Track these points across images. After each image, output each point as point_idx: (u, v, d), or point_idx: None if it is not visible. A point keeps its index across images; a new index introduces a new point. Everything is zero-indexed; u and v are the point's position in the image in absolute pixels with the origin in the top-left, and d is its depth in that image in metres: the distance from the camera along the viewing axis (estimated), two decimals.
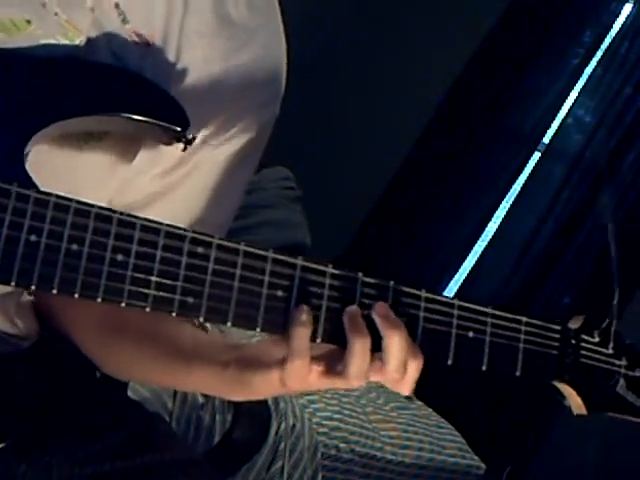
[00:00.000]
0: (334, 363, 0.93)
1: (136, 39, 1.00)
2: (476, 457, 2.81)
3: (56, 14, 0.96)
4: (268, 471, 2.07)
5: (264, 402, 2.08)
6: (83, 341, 1.12)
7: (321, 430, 2.39)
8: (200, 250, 0.88)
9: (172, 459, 1.12)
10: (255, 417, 2.07)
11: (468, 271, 3.85)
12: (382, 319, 0.93)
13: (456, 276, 3.89)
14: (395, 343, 0.92)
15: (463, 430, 2.87)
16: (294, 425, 2.15)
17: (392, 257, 3.84)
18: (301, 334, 0.91)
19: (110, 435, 1.10)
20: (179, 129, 0.95)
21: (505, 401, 3.42)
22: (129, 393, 1.31)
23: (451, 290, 3.88)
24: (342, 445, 2.45)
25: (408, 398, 2.85)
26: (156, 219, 0.89)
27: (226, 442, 1.99)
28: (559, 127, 3.83)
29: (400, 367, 0.92)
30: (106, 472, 1.07)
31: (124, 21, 0.99)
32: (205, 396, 1.97)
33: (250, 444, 2.04)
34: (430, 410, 2.89)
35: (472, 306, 0.96)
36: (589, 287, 3.48)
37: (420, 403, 2.87)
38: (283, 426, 2.10)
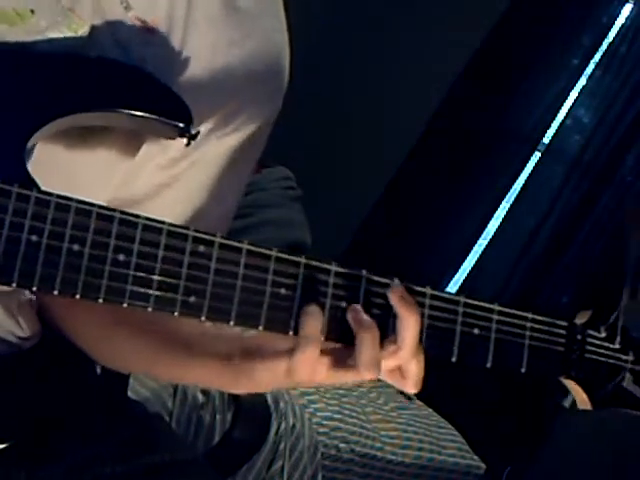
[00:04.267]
0: (343, 358, 0.93)
1: (140, 26, 0.99)
2: (476, 457, 2.81)
3: (59, 2, 0.95)
4: (268, 471, 2.07)
5: (264, 402, 2.08)
6: (81, 333, 1.11)
7: (321, 430, 2.39)
8: (202, 249, 0.87)
9: (172, 459, 1.12)
10: (255, 417, 2.06)
11: (468, 271, 3.86)
12: (399, 299, 0.92)
13: (456, 276, 3.90)
14: (412, 323, 0.92)
15: (463, 430, 2.87)
16: (294, 425, 2.15)
17: (392, 257, 3.83)
18: (311, 322, 0.90)
19: (110, 437, 1.10)
20: (182, 125, 0.94)
21: (505, 401, 3.42)
22: (129, 393, 1.31)
23: (451, 290, 3.88)
24: (342, 445, 2.45)
25: (408, 398, 2.85)
26: (158, 218, 0.88)
27: (226, 442, 1.98)
28: (559, 127, 3.83)
29: (415, 348, 0.92)
30: (107, 474, 1.06)
31: (127, 8, 0.98)
32: (205, 395, 1.97)
33: (250, 444, 2.04)
34: (430, 410, 2.89)
35: (478, 303, 0.96)
36: (588, 287, 3.48)
37: (420, 403, 2.87)
38: (283, 426, 2.10)
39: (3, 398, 1.03)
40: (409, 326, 0.91)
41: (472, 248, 3.89)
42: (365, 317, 0.92)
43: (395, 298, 0.92)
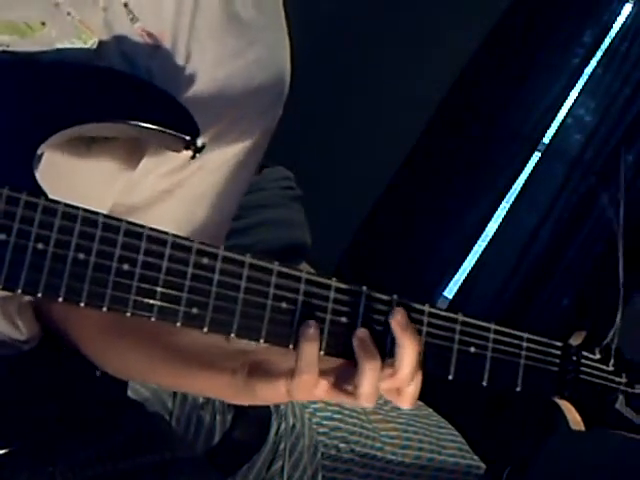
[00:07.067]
0: (342, 378, 0.93)
1: (146, 38, 1.00)
2: (476, 457, 2.81)
3: (69, 14, 0.95)
4: (268, 471, 2.08)
5: None
6: (84, 341, 1.12)
7: (321, 430, 2.39)
8: (206, 261, 0.88)
9: (173, 459, 1.12)
10: (255, 417, 2.07)
11: (468, 271, 3.86)
12: (400, 326, 0.92)
13: (456, 276, 3.90)
14: (411, 350, 0.92)
15: (463, 430, 2.88)
16: (294, 425, 2.15)
17: (392, 257, 3.84)
18: (309, 349, 0.90)
19: (111, 436, 1.11)
20: (188, 138, 0.94)
21: (505, 401, 3.43)
22: (129, 393, 1.31)
23: (451, 290, 3.89)
24: (342, 445, 2.45)
25: None
26: (161, 225, 0.88)
27: (226, 442, 1.99)
28: (559, 127, 3.83)
29: (413, 374, 0.92)
30: (108, 473, 1.07)
31: (133, 20, 0.99)
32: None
33: (250, 444, 2.04)
34: (430, 410, 2.89)
35: (474, 321, 0.96)
36: (588, 288, 3.48)
37: (420, 403, 2.87)
38: (283, 426, 2.11)
39: (3, 401, 1.03)
40: (408, 353, 0.91)
41: (472, 248, 3.89)
42: (370, 344, 0.92)
43: (395, 325, 0.92)
